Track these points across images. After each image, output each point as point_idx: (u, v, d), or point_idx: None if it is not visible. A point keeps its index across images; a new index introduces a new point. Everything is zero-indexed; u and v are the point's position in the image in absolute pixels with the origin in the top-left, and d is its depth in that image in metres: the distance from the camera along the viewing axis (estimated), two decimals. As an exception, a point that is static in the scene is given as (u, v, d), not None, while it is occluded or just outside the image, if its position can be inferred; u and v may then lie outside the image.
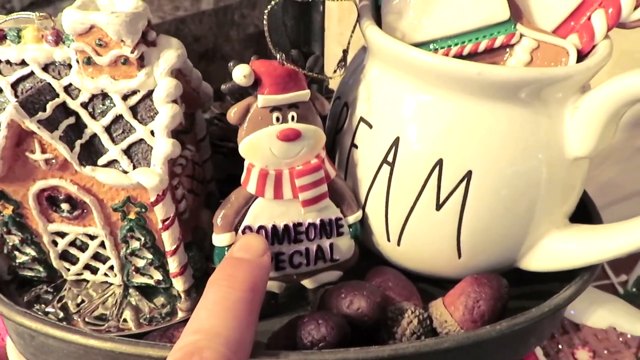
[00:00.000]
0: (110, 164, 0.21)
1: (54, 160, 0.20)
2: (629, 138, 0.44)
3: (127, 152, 0.21)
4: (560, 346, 0.29)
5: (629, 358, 0.28)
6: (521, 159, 0.23)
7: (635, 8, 0.23)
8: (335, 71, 0.25)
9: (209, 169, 0.28)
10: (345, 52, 0.25)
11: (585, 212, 0.28)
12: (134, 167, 0.21)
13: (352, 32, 0.25)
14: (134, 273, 0.24)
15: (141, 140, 0.21)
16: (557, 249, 0.25)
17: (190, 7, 0.67)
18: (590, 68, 0.22)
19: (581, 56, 0.23)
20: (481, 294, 0.23)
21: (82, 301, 0.24)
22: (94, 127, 0.21)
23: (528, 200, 0.23)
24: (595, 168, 0.47)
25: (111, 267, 0.24)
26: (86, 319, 0.23)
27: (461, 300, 0.23)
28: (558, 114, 0.23)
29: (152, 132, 0.21)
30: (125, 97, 0.21)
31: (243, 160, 0.31)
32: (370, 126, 0.24)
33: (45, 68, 0.21)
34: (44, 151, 0.20)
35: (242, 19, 0.72)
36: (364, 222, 0.25)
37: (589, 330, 0.29)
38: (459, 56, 0.24)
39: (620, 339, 0.28)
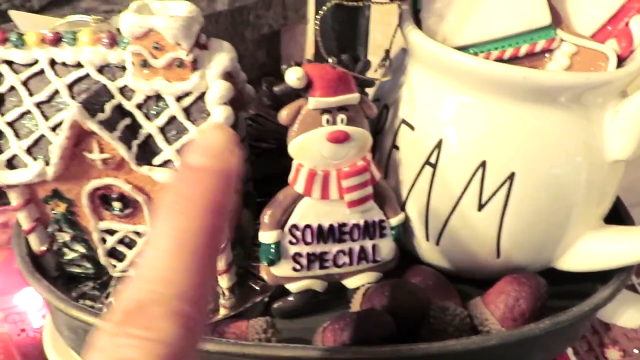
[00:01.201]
0: (165, 163, 0.21)
1: (110, 160, 0.21)
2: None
3: (180, 152, 0.21)
4: (590, 345, 0.29)
5: (659, 356, 0.28)
6: (562, 161, 0.23)
7: (674, 14, 0.23)
8: (375, 70, 0.26)
9: (247, 168, 0.28)
10: (387, 51, 0.26)
11: (616, 214, 0.29)
12: None
13: (393, 35, 0.26)
14: None
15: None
16: (593, 249, 0.25)
17: (207, 8, 0.68)
18: (631, 73, 0.22)
19: (619, 61, 0.24)
20: (521, 293, 0.24)
21: None
22: (149, 127, 0.21)
23: (567, 202, 0.24)
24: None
25: (158, 265, 0.25)
26: None
27: (501, 299, 0.24)
28: (598, 118, 0.23)
29: (205, 133, 0.21)
30: (178, 99, 0.21)
31: (277, 160, 0.31)
32: (412, 128, 0.25)
33: (100, 70, 0.22)
34: (102, 151, 0.21)
35: (257, 19, 0.72)
36: (404, 222, 0.26)
37: (619, 330, 0.29)
38: (499, 60, 0.24)
39: (650, 338, 0.29)
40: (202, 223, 0.14)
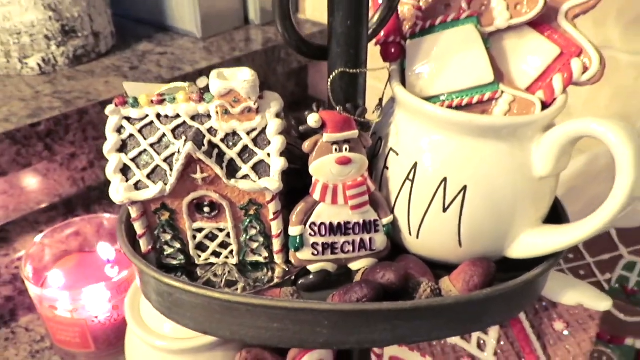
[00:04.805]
0: (244, 177, 0.30)
1: (207, 178, 0.29)
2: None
3: (254, 168, 0.30)
4: (542, 319, 0.38)
5: (593, 328, 0.37)
6: (502, 177, 0.32)
7: (583, 73, 0.33)
8: (373, 112, 0.36)
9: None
10: (380, 100, 0.36)
11: (559, 216, 0.38)
12: (259, 178, 0.30)
13: (385, 88, 0.36)
14: (250, 253, 0.34)
15: (262, 160, 0.30)
16: (532, 242, 0.34)
17: (245, 48, 0.80)
18: (547, 116, 0.32)
19: (546, 106, 0.33)
20: (475, 272, 0.33)
21: (209, 280, 0.34)
22: (231, 154, 0.30)
23: (507, 207, 0.33)
24: (588, 185, 0.56)
25: (231, 252, 0.34)
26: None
27: (461, 276, 0.33)
28: (527, 147, 0.32)
29: (268, 155, 0.30)
30: (248, 133, 0.30)
31: (301, 178, 0.42)
32: (397, 154, 0.35)
33: (193, 118, 0.30)
34: (202, 172, 0.30)
35: (287, 56, 0.84)
36: (393, 222, 0.36)
37: (563, 307, 0.38)
38: (459, 106, 0.34)
39: (587, 314, 0.37)
40: None
